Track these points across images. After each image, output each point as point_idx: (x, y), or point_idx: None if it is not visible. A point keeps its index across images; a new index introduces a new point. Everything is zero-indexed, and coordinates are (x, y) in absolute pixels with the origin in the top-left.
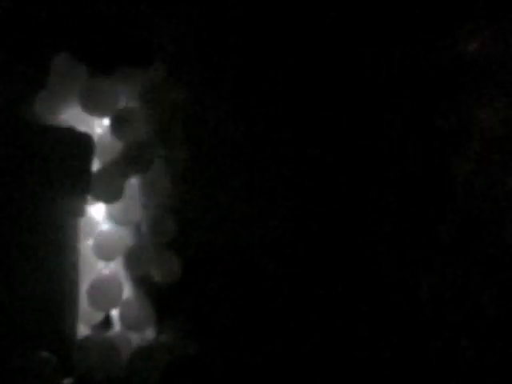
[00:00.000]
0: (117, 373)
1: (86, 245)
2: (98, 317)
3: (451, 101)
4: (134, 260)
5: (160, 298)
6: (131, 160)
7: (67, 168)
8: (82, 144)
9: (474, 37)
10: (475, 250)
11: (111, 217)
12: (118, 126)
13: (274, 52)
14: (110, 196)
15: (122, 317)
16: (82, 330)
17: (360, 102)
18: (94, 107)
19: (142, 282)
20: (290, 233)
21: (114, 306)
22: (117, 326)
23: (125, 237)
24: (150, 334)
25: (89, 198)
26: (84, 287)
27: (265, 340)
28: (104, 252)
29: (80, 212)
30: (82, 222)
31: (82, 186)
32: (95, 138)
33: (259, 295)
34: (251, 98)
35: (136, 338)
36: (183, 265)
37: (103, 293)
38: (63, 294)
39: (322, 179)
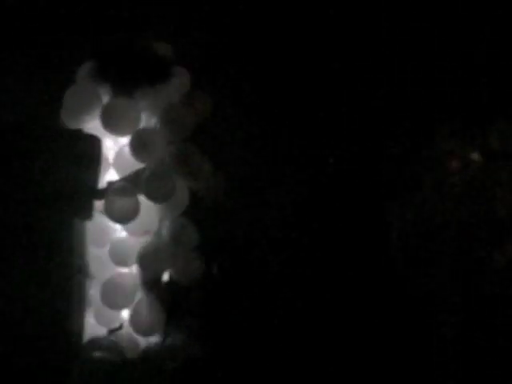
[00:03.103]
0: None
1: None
2: (116, 321)
3: None
4: (147, 262)
5: (168, 300)
6: (149, 193)
7: (75, 170)
8: (90, 146)
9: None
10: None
11: (126, 227)
12: (137, 148)
13: (298, 60)
14: (125, 217)
15: (133, 321)
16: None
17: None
18: (116, 128)
19: (153, 284)
20: (297, 233)
21: (127, 304)
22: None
23: (141, 243)
24: (157, 336)
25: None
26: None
27: (272, 342)
28: (120, 258)
29: (87, 215)
30: (99, 227)
31: (89, 188)
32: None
33: (267, 298)
34: (252, 96)
35: (144, 341)
36: None
37: (117, 290)
38: (69, 296)
39: (325, 179)
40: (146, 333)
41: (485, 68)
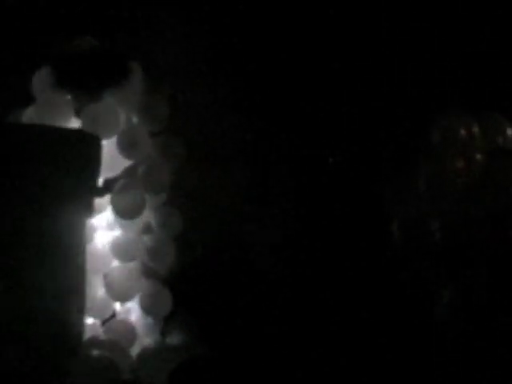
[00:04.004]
0: (124, 373)
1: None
2: (108, 312)
3: None
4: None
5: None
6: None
7: (75, 169)
8: (90, 145)
9: None
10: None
11: (119, 223)
12: (126, 148)
13: (284, 56)
14: (133, 212)
15: (142, 303)
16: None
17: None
18: (101, 133)
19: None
20: (296, 233)
21: (131, 296)
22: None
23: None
24: (157, 334)
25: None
26: (97, 286)
27: (272, 341)
28: (123, 254)
29: (87, 213)
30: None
31: (90, 186)
32: None
33: (266, 296)
34: (250, 96)
35: (144, 335)
36: (190, 266)
37: (120, 283)
38: (70, 294)
39: (326, 179)
40: (156, 314)
41: (483, 65)
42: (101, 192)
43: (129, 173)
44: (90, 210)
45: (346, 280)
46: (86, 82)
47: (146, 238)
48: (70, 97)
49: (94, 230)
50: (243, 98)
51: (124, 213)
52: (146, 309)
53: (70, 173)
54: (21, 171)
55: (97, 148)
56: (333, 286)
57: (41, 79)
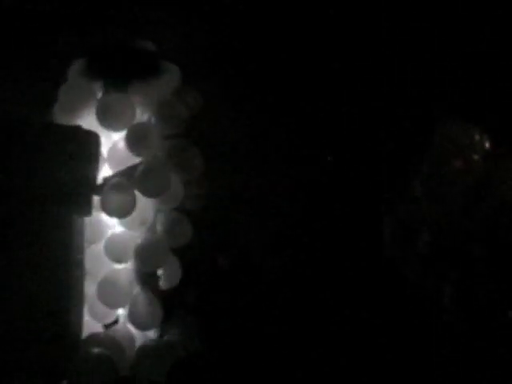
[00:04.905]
0: (122, 370)
1: (98, 246)
2: (111, 316)
3: None
4: (145, 256)
5: (166, 296)
6: (143, 188)
7: (73, 166)
8: (89, 142)
9: None
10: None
11: (122, 221)
12: (134, 142)
13: (286, 58)
14: (122, 211)
15: (131, 315)
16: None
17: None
18: (112, 123)
19: (149, 280)
20: (293, 233)
21: (124, 303)
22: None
23: (136, 239)
24: (155, 332)
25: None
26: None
27: (269, 339)
28: (116, 254)
29: (86, 211)
30: (93, 223)
31: (88, 184)
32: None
33: (262, 294)
34: (250, 96)
35: (142, 336)
36: (189, 264)
37: (113, 289)
38: (68, 292)
39: (326, 179)
40: (143, 327)
41: (483, 66)
42: (100, 189)
43: (127, 172)
44: (88, 208)
45: (346, 280)
46: (115, 71)
47: (142, 237)
48: (96, 85)
49: (102, 228)
50: (244, 98)
51: (112, 211)
52: (133, 320)
53: (67, 169)
54: (18, 168)
55: (95, 145)
56: (333, 286)
57: (75, 68)
